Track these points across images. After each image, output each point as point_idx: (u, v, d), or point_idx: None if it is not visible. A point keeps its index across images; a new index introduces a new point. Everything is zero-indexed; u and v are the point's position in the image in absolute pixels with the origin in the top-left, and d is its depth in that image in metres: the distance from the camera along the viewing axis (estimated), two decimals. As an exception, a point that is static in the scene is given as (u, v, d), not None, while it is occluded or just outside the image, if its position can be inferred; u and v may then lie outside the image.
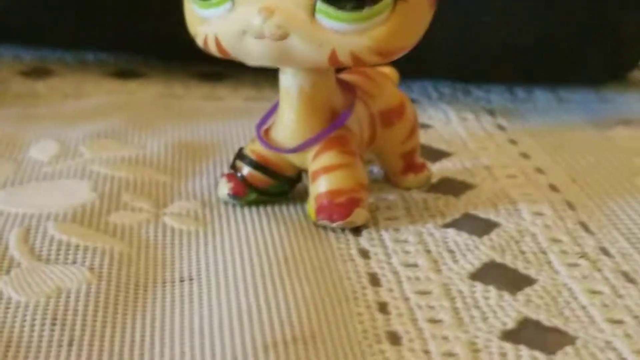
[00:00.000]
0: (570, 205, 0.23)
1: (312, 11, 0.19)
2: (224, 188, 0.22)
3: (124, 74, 0.34)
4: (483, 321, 0.17)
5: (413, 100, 0.29)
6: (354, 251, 0.20)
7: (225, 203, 0.23)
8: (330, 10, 0.19)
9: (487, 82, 0.35)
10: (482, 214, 0.23)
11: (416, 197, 0.24)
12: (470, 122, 0.31)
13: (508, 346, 0.16)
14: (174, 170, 0.25)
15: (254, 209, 0.23)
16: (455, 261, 0.20)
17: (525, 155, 0.28)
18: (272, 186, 0.22)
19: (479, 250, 0.20)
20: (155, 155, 0.26)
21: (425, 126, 0.30)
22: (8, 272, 0.19)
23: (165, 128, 0.28)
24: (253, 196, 0.22)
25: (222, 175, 0.23)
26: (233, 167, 0.23)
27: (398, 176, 0.24)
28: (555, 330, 0.17)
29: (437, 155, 0.27)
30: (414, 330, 0.17)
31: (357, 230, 0.21)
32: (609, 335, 0.17)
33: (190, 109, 0.31)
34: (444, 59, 0.32)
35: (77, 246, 0.20)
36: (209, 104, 0.32)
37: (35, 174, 0.24)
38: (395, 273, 0.19)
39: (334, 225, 0.21)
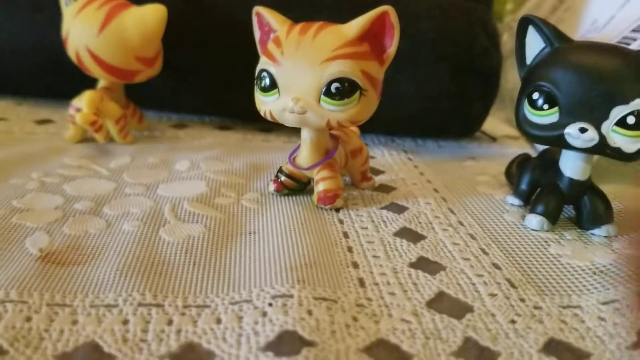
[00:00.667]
0: (444, 200, 0.37)
1: (319, 100, 0.31)
2: (272, 187, 0.36)
3: (222, 127, 0.51)
4: (400, 257, 0.29)
5: (367, 144, 0.45)
6: (335, 220, 0.33)
7: (272, 195, 0.36)
8: (328, 100, 0.31)
9: (403, 136, 0.51)
10: (399, 202, 0.36)
11: (367, 194, 0.37)
12: (394, 156, 0.46)
13: (412, 271, 0.28)
14: (247, 177, 0.39)
15: (287, 198, 0.36)
16: (386, 226, 0.32)
17: (422, 173, 0.42)
18: (296, 186, 0.36)
19: (398, 221, 0.33)
20: (237, 170, 0.40)
21: (372, 157, 0.45)
22: (164, 226, 0.31)
23: (243, 156, 0.43)
24: (286, 192, 0.36)
25: (271, 180, 0.36)
26: (276, 176, 0.36)
27: (358, 183, 0.38)
28: (435, 263, 0.28)
29: (378, 172, 0.42)
30: (365, 261, 0.28)
31: (337, 210, 0.34)
32: (462, 266, 0.28)
33: (256, 147, 0.47)
34: (381, 123, 0.46)
35: (198, 214, 0.32)
36: (265, 144, 0.48)
37: (177, 177, 0.38)
38: (356, 232, 0.31)
39: (327, 207, 0.34)
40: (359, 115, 0.32)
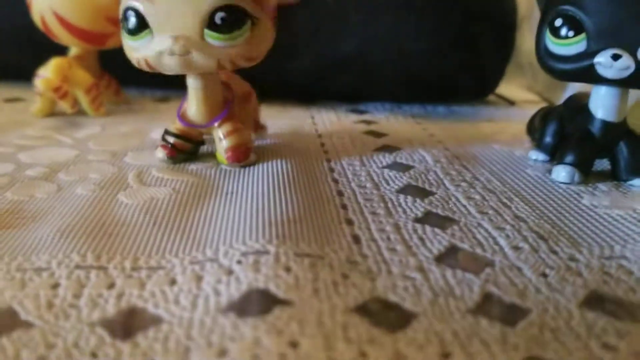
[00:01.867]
0: (457, 157, 0.32)
1: (203, 35, 0.25)
2: (160, 153, 0.30)
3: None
4: (403, 213, 0.24)
5: (369, 112, 0.42)
6: (329, 179, 0.28)
7: (168, 162, 0.30)
8: (214, 34, 0.25)
9: (411, 102, 0.46)
10: (404, 161, 0.31)
11: (367, 153, 0.33)
12: (399, 121, 0.41)
13: (418, 226, 0.23)
14: None
15: (273, 160, 0.30)
16: (388, 185, 0.28)
17: (432, 135, 0.37)
18: (191, 147, 0.30)
19: (403, 179, 0.28)
20: None
21: (374, 122, 0.40)
22: (124, 190, 0.26)
23: None
24: (182, 157, 0.30)
25: (159, 146, 0.30)
26: (163, 139, 0.30)
27: (253, 133, 0.33)
28: (447, 218, 0.24)
29: (380, 135, 0.37)
30: (361, 218, 0.24)
31: (331, 169, 0.30)
32: (479, 220, 0.24)
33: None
34: (386, 90, 0.42)
35: (167, 179, 0.28)
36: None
37: (150, 145, 0.33)
38: (353, 190, 0.27)
39: (241, 164, 0.29)
40: (254, 49, 0.27)
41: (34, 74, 0.38)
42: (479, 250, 0.21)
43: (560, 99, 0.44)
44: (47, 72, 0.37)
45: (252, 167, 0.30)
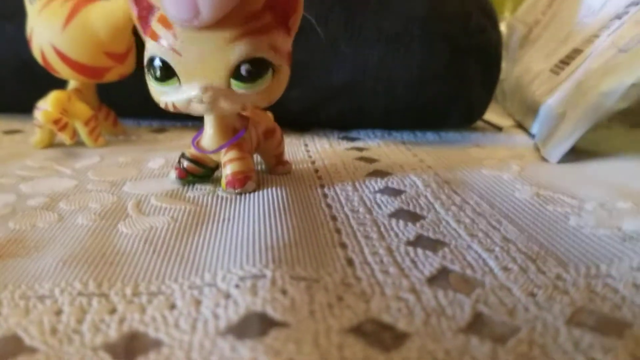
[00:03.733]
0: (447, 182, 0.33)
1: (229, 84, 0.27)
2: (172, 174, 0.32)
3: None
4: (396, 236, 0.25)
5: (361, 139, 0.43)
6: (323, 205, 0.29)
7: (179, 183, 0.32)
8: (240, 83, 0.27)
9: (401, 129, 0.47)
10: (396, 186, 0.32)
11: (359, 179, 0.34)
12: (390, 147, 0.42)
13: (410, 249, 0.23)
14: None
15: (269, 186, 0.31)
16: (381, 209, 0.28)
17: (422, 160, 0.38)
18: (201, 172, 0.32)
19: (394, 204, 0.29)
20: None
21: (366, 149, 0.41)
22: (124, 220, 0.27)
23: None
24: (190, 178, 0.32)
25: (173, 167, 0.32)
26: (178, 162, 0.32)
27: (273, 168, 0.35)
28: (438, 241, 0.24)
29: (371, 161, 0.38)
30: (355, 242, 0.24)
31: (325, 196, 0.30)
32: (469, 242, 0.24)
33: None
34: (377, 118, 0.44)
35: (166, 208, 0.28)
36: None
37: (148, 175, 0.34)
38: (346, 215, 0.27)
39: (236, 192, 0.30)
40: (274, 93, 0.28)
41: (34, 107, 0.39)
42: (469, 272, 0.22)
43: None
44: (47, 105, 0.38)
45: (248, 194, 0.30)
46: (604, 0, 0.49)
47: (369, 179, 0.34)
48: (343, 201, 0.30)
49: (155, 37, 0.27)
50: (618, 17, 0.43)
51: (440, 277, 0.22)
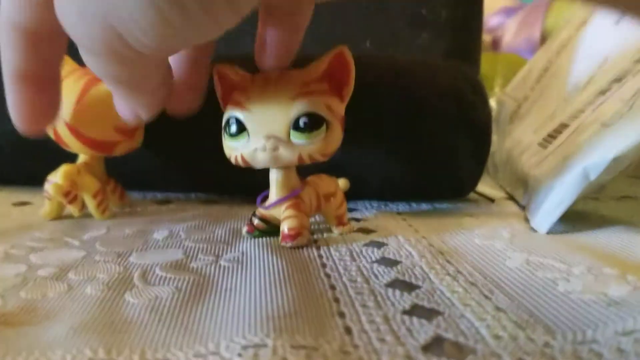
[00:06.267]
0: (441, 253, 0.34)
1: (289, 135, 0.32)
2: (244, 229, 0.36)
3: (208, 201, 0.49)
4: (392, 305, 0.26)
5: (358, 210, 0.46)
6: (322, 275, 0.30)
7: (247, 238, 0.36)
8: (298, 134, 0.32)
9: (395, 201, 0.49)
10: (392, 257, 0.33)
11: (357, 249, 0.35)
12: (387, 217, 0.44)
13: (406, 317, 0.24)
14: (228, 242, 0.36)
15: (271, 256, 0.33)
16: (377, 279, 0.29)
17: (417, 231, 0.39)
18: (266, 228, 0.36)
19: (391, 274, 0.30)
20: (219, 236, 0.38)
21: (363, 219, 0.43)
22: (130, 290, 0.28)
23: (226, 223, 0.41)
24: (257, 233, 0.36)
25: (245, 224, 0.36)
26: (250, 219, 0.36)
27: (334, 228, 0.38)
28: (433, 310, 0.25)
29: (368, 231, 0.39)
30: (353, 311, 0.25)
31: (324, 265, 0.32)
32: (462, 311, 0.25)
33: (242, 214, 0.44)
34: (370, 187, 0.46)
35: (170, 278, 0.30)
36: (252, 210, 0.49)
37: (153, 245, 0.36)
38: (344, 284, 0.29)
39: (289, 245, 0.34)
40: (328, 146, 0.33)
41: (44, 180, 0.41)
42: (462, 339, 0.23)
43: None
44: (58, 178, 0.40)
45: (249, 264, 0.32)
46: (589, 77, 0.52)
47: (366, 249, 0.35)
48: (341, 271, 0.31)
49: (234, 102, 0.33)
50: (602, 92, 0.46)
51: (434, 345, 0.23)
